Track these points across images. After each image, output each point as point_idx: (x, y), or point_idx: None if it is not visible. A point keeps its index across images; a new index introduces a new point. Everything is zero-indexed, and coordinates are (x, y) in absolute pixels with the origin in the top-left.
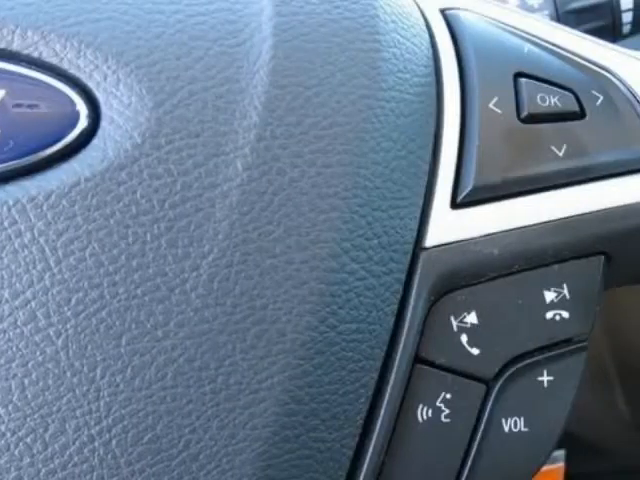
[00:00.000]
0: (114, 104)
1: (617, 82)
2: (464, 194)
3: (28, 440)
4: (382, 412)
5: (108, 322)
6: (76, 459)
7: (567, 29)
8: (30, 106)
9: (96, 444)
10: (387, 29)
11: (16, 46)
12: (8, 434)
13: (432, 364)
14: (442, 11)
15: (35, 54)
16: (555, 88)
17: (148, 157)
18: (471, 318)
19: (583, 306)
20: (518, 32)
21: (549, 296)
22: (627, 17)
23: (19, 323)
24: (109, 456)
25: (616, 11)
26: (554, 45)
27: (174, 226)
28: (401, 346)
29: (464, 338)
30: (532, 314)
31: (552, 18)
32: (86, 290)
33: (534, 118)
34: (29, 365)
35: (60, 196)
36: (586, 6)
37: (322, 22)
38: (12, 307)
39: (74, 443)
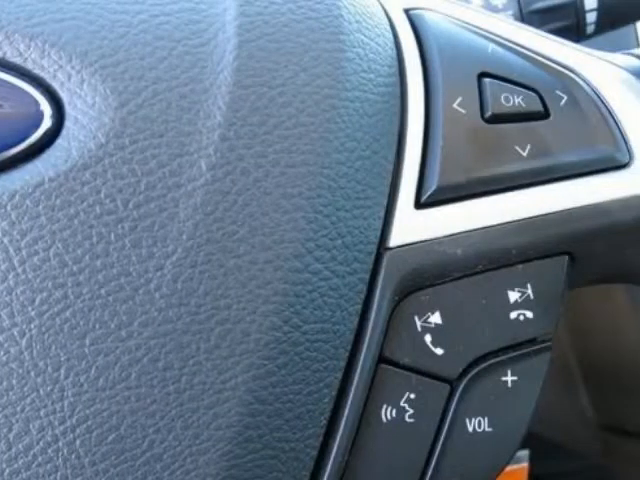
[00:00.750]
0: (78, 104)
1: (581, 82)
2: (428, 194)
3: None
4: (346, 412)
5: (72, 322)
6: (40, 459)
7: (531, 29)
8: None
9: (60, 444)
10: (351, 29)
11: None
12: None
13: (396, 364)
14: (406, 11)
15: None
16: (519, 88)
17: (112, 157)
18: (435, 318)
19: (547, 306)
20: (482, 32)
21: (513, 296)
22: (591, 17)
23: None
24: (73, 456)
25: (580, 11)
26: (518, 45)
27: (138, 226)
28: (365, 346)
29: (428, 338)
30: (496, 314)
31: (516, 18)
32: (50, 290)
33: (498, 118)
34: None
35: (24, 196)
36: (550, 6)
37: (286, 22)
38: None
39: (38, 443)
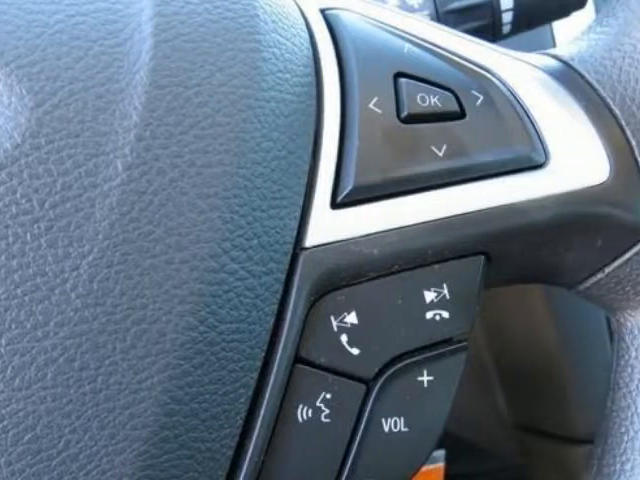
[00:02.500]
0: None
1: (497, 82)
2: (344, 194)
3: None
4: (262, 412)
5: None
6: None
7: (447, 29)
8: None
9: None
10: (267, 29)
11: None
12: None
13: (312, 364)
14: (322, 11)
15: None
16: (435, 88)
17: (28, 157)
18: (351, 318)
19: (463, 306)
20: (398, 32)
21: (429, 296)
22: (507, 17)
23: None
24: None
25: (496, 11)
26: (434, 45)
27: (54, 226)
28: (281, 346)
29: (344, 338)
30: (412, 314)
31: (432, 18)
32: None
33: (414, 118)
34: None
35: None
36: (466, 6)
37: (202, 22)
38: None
39: None
